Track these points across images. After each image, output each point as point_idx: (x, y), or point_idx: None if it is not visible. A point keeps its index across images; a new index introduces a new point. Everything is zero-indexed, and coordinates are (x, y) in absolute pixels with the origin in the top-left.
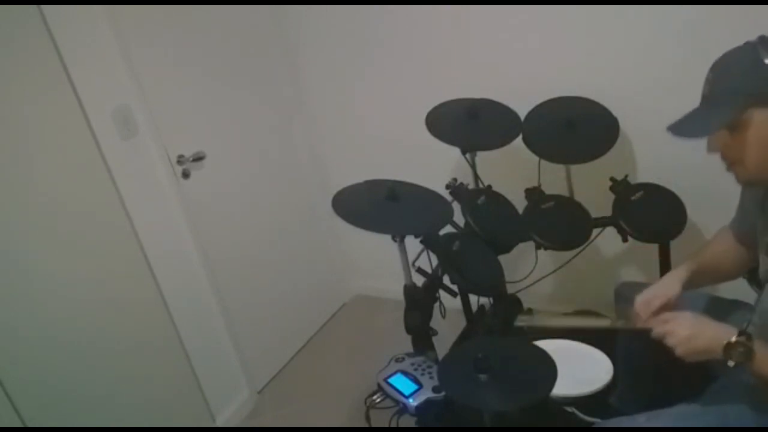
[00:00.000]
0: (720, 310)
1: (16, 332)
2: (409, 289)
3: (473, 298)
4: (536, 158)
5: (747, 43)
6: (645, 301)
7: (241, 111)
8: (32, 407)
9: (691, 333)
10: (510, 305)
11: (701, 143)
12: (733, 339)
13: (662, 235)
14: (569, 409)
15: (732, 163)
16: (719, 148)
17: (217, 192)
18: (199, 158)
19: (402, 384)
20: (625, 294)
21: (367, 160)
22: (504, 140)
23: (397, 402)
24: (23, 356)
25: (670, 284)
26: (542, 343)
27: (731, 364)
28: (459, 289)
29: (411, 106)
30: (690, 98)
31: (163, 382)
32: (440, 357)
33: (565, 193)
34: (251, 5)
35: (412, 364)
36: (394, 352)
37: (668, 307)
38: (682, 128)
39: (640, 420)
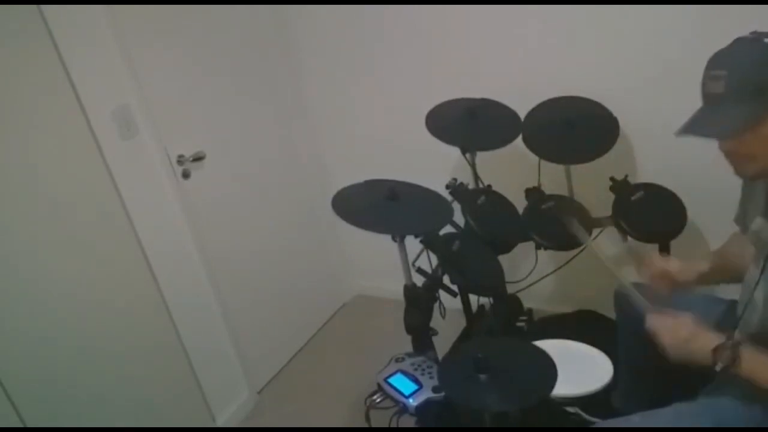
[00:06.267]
0: (718, 310)
1: (16, 332)
2: (409, 289)
3: (473, 298)
4: (536, 158)
5: (742, 39)
6: (660, 272)
7: (241, 111)
8: (32, 407)
9: (689, 334)
10: (510, 305)
11: (703, 143)
12: (722, 342)
13: (662, 235)
14: (572, 409)
15: (742, 158)
16: (734, 143)
17: (217, 192)
18: (199, 158)
19: (402, 384)
20: (624, 294)
21: (367, 161)
22: (504, 140)
23: (397, 402)
24: (23, 356)
25: (689, 268)
26: (542, 343)
27: (718, 367)
28: (459, 289)
29: (411, 106)
30: (690, 98)
31: (163, 382)
32: (440, 357)
33: (565, 193)
34: (251, 5)
35: (412, 364)
36: (394, 352)
37: (671, 280)
38: (701, 128)
39: (635, 420)
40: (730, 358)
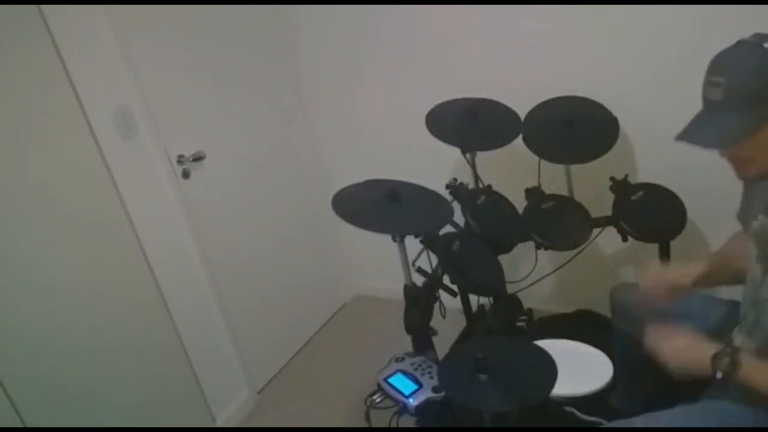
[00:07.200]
0: (719, 311)
1: (16, 332)
2: (409, 289)
3: (473, 298)
4: (536, 158)
5: (744, 42)
6: (657, 281)
7: (241, 111)
8: (32, 407)
9: (686, 343)
10: (510, 305)
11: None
12: (720, 349)
13: (662, 235)
14: (568, 408)
15: (743, 162)
16: (733, 149)
17: (217, 192)
18: (199, 158)
19: (402, 384)
20: (620, 296)
21: (367, 160)
22: (504, 140)
23: (397, 402)
24: (23, 356)
25: (686, 272)
26: (542, 343)
27: (719, 375)
28: (459, 289)
29: (411, 106)
30: (690, 98)
31: (163, 382)
32: (440, 357)
33: (565, 193)
34: (251, 5)
35: (412, 364)
36: (394, 352)
37: (672, 294)
38: (698, 136)
39: (637, 423)
40: (729, 365)
